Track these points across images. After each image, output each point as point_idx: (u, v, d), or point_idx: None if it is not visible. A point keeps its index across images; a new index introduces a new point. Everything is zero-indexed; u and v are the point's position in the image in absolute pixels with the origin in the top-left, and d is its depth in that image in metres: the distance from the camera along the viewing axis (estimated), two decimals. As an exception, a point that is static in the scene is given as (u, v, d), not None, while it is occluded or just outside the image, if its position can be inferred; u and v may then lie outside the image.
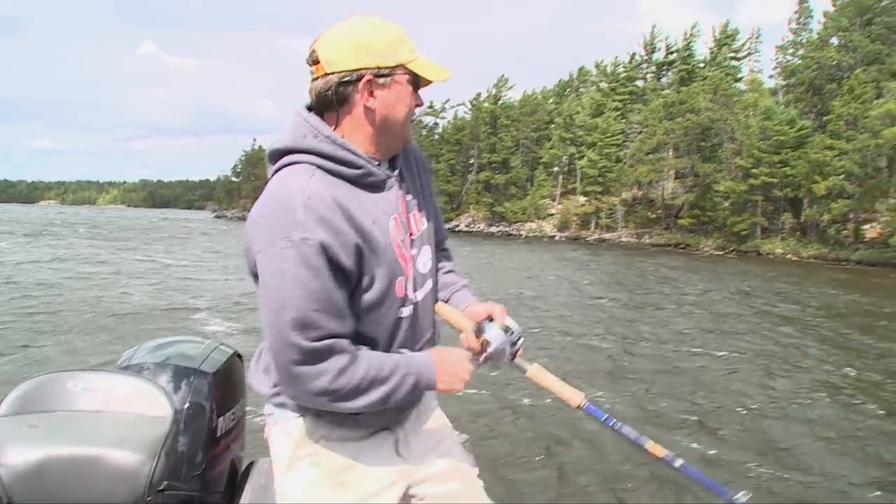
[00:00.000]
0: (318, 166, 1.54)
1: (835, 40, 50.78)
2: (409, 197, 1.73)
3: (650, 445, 1.75)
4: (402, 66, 1.58)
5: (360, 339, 1.56)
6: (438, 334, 1.82)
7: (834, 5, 51.61)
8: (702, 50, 66.31)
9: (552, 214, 63.66)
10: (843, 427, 7.68)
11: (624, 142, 59.24)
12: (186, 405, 2.13)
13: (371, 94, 1.56)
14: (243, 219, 1.47)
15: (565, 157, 64.58)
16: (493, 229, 65.49)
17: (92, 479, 1.72)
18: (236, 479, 2.39)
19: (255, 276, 1.50)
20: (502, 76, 76.32)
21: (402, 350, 1.65)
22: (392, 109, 1.59)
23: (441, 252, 1.97)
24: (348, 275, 1.50)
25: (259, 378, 1.71)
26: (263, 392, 1.70)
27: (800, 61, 53.82)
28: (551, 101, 75.44)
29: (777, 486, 5.92)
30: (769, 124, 46.08)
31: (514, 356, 1.77)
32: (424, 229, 1.76)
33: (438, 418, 1.94)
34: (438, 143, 74.67)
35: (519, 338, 1.78)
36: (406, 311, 1.66)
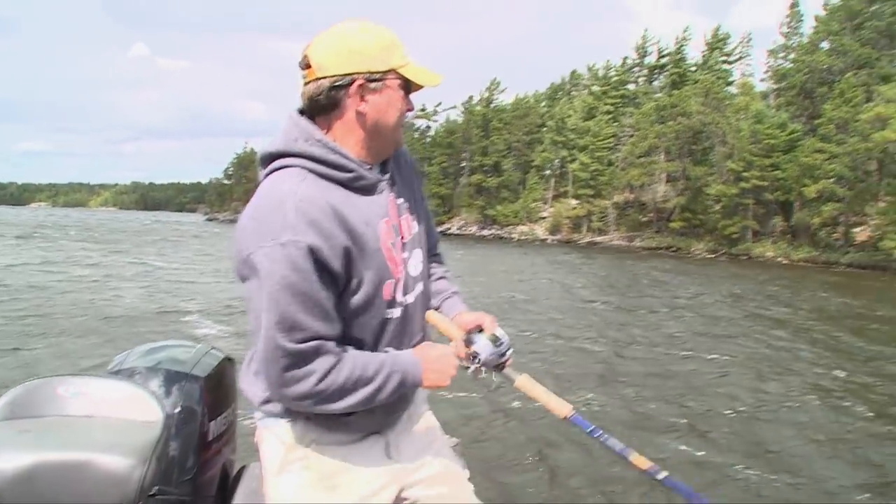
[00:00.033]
0: (310, 170, 1.55)
1: (826, 44, 51.02)
2: (401, 200, 1.74)
3: (634, 458, 1.77)
4: (393, 70, 1.59)
5: (348, 341, 1.56)
6: (428, 338, 1.82)
7: (825, 9, 51.87)
8: (693, 54, 66.56)
9: (544, 217, 63.73)
10: (833, 429, 7.72)
11: (616, 145, 59.33)
12: (177, 410, 2.13)
13: (362, 98, 1.57)
14: (235, 221, 1.48)
15: (557, 161, 64.66)
16: (485, 232, 65.51)
17: (82, 484, 1.72)
18: (228, 484, 2.39)
19: (244, 279, 1.51)
20: (494, 79, 76.43)
21: (387, 350, 1.66)
22: (383, 114, 1.60)
23: (433, 256, 1.98)
24: (337, 278, 1.51)
25: (250, 382, 1.70)
26: (254, 396, 1.70)
27: (791, 65, 54.02)
28: (543, 104, 75.54)
29: (766, 489, 5.95)
30: (760, 128, 46.25)
31: (503, 366, 1.79)
32: (416, 233, 1.77)
33: (429, 421, 1.95)
34: (430, 146, 74.69)
35: (508, 348, 1.79)
36: (394, 314, 1.67)
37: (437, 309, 1.89)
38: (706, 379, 9.83)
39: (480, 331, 1.78)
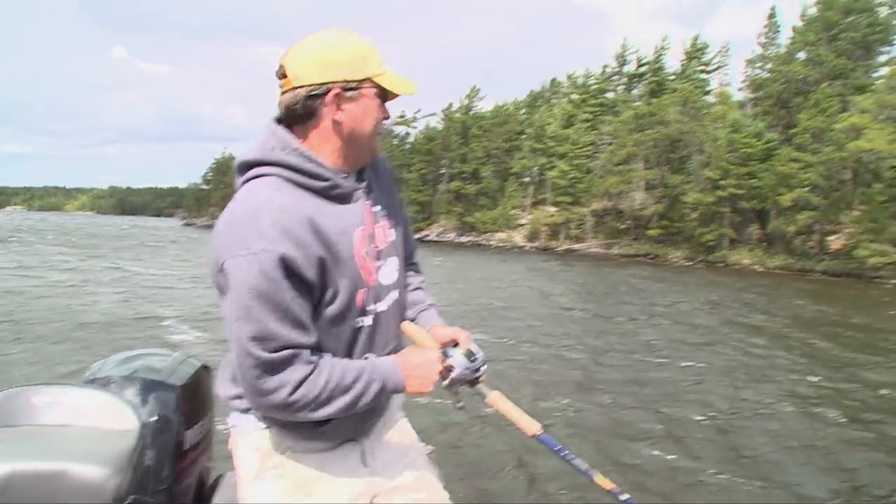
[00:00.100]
0: (286, 178, 1.56)
1: (802, 55, 51.53)
2: (377, 208, 1.74)
3: (598, 478, 1.82)
4: (369, 79, 1.60)
5: (321, 349, 1.57)
6: (400, 348, 1.83)
7: (802, 20, 52.41)
8: (672, 63, 67.02)
9: (522, 225, 63.82)
10: (807, 435, 7.79)
11: (594, 153, 59.54)
12: (153, 419, 2.13)
13: (339, 107, 1.58)
14: (212, 226, 1.48)
15: (536, 168, 64.80)
16: (463, 239, 65.52)
17: (57, 494, 1.71)
18: (204, 492, 2.38)
19: (219, 287, 1.51)
20: (474, 87, 76.62)
21: (366, 357, 1.66)
22: (359, 122, 1.61)
23: (409, 266, 1.99)
24: (311, 287, 1.52)
25: (226, 388, 1.71)
26: (230, 402, 1.71)
27: (768, 75, 54.54)
28: (523, 111, 75.73)
29: (739, 494, 6.00)
30: (737, 137, 46.63)
31: (476, 382, 1.81)
32: (391, 241, 1.78)
33: (404, 429, 1.96)
34: (409, 153, 74.66)
35: (482, 364, 1.81)
36: (366, 322, 1.68)
37: (412, 320, 1.90)
38: (682, 386, 9.89)
39: (456, 345, 1.80)
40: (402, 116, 77.34)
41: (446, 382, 1.75)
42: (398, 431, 1.93)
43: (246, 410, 1.68)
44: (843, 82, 45.73)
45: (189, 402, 2.27)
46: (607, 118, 61.10)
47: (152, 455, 2.07)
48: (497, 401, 1.81)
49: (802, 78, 49.01)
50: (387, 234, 1.76)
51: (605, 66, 69.69)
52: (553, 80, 78.71)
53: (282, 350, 1.46)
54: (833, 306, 22.56)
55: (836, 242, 41.46)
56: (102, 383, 2.19)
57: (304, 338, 1.50)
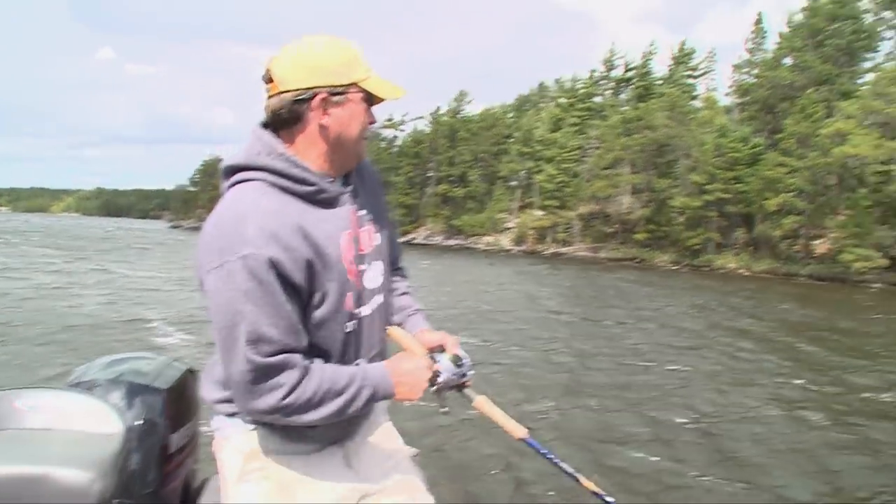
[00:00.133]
0: (271, 183, 1.57)
1: (788, 60, 51.87)
2: (363, 212, 1.75)
3: (584, 481, 1.83)
4: (355, 84, 1.60)
5: (309, 353, 1.57)
6: (385, 352, 1.84)
7: (788, 27, 52.78)
8: (659, 67, 67.33)
9: (509, 228, 63.91)
10: (791, 438, 7.85)
11: (582, 157, 59.71)
12: (139, 422, 2.12)
13: (325, 112, 1.58)
14: (199, 229, 1.49)
15: (523, 172, 64.93)
16: (451, 242, 65.54)
17: (41, 498, 1.70)
18: (190, 496, 2.38)
19: (207, 292, 1.51)
20: (462, 90, 76.71)
21: (357, 363, 1.67)
22: (346, 127, 1.62)
23: (395, 270, 2.00)
24: (299, 290, 1.52)
25: (210, 390, 1.71)
26: (215, 404, 1.71)
27: (755, 80, 54.86)
28: (511, 115, 75.91)
29: (723, 497, 6.03)
30: (724, 141, 46.90)
31: (463, 386, 1.82)
32: (377, 245, 1.78)
33: (388, 432, 1.96)
34: (397, 156, 74.67)
35: (469, 369, 1.82)
36: (351, 326, 1.68)
37: (399, 325, 1.90)
38: (668, 389, 9.92)
39: (443, 350, 1.81)
40: (389, 120, 77.46)
41: (434, 388, 1.77)
42: (383, 434, 1.93)
43: (231, 414, 1.68)
44: (828, 88, 46.07)
45: (175, 405, 2.26)
46: (595, 122, 61.28)
47: (137, 459, 2.06)
48: (483, 405, 1.83)
49: (788, 83, 49.32)
50: (372, 238, 1.76)
51: (594, 71, 70.03)
52: (541, 84, 78.99)
53: (276, 354, 1.47)
54: (818, 310, 22.70)
55: (821, 247, 41.74)
56: (87, 387, 2.18)
57: (296, 341, 1.51)
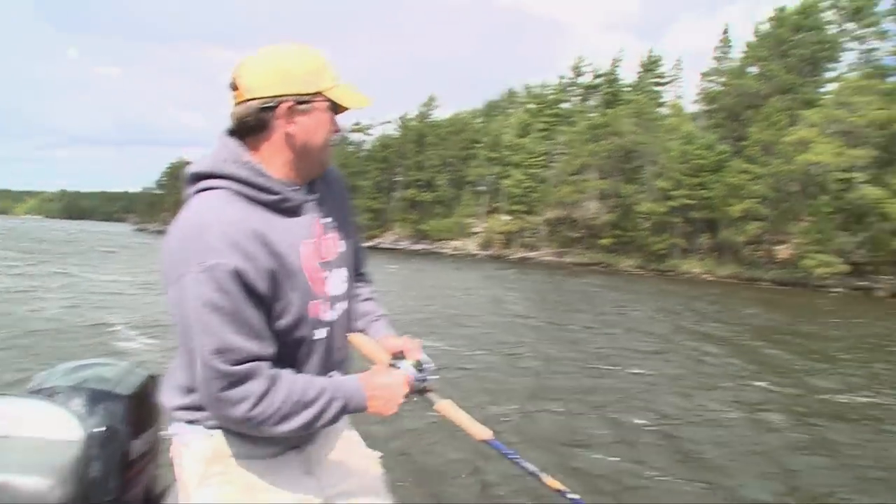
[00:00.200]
0: (235, 191, 1.57)
1: (755, 69, 52.55)
2: (327, 220, 1.75)
3: (548, 480, 1.84)
4: (321, 93, 1.61)
5: (275, 361, 1.57)
6: (349, 359, 1.85)
7: (756, 36, 53.49)
8: (627, 74, 67.97)
9: (476, 233, 63.96)
10: (752, 439, 7.96)
11: (549, 163, 59.96)
12: (100, 429, 2.11)
13: (290, 120, 1.59)
14: (164, 232, 1.49)
15: (491, 177, 65.06)
16: (418, 247, 65.40)
17: (0, 506, 1.69)
18: (151, 502, 2.37)
19: (172, 300, 1.51)
20: (431, 95, 76.73)
21: (312, 371, 1.67)
22: (311, 136, 1.62)
23: (359, 277, 2.00)
24: (264, 299, 1.52)
25: (170, 396, 1.71)
26: (175, 410, 1.70)
27: (721, 88, 55.49)
28: (479, 120, 76.03)
29: (684, 496, 6.10)
30: (689, 148, 47.38)
31: (426, 391, 1.82)
32: (340, 252, 1.78)
33: (349, 435, 1.97)
34: (365, 160, 74.41)
35: (432, 374, 1.83)
36: (319, 334, 1.69)
37: (362, 332, 1.91)
38: (632, 392, 9.99)
39: (405, 356, 1.82)
40: (357, 124, 77.26)
41: None
42: (344, 438, 1.94)
43: (191, 421, 1.67)
44: (792, 97, 46.71)
45: (136, 411, 2.24)
46: (563, 128, 61.61)
47: (98, 466, 2.05)
48: (447, 409, 1.82)
49: (754, 92, 49.95)
50: (336, 245, 1.77)
51: (562, 77, 70.47)
52: (510, 91, 79.31)
53: (242, 363, 1.47)
54: (780, 314, 23.01)
55: (783, 252, 42.30)
56: (47, 393, 2.16)
57: (263, 349, 1.51)
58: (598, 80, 67.80)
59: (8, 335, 11.97)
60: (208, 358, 1.45)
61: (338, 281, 1.76)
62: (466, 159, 68.48)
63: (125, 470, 2.16)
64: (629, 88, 64.80)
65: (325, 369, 1.72)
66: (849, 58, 48.98)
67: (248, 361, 1.48)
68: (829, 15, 49.49)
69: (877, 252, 36.59)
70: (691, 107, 59.62)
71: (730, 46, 58.20)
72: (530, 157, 60.45)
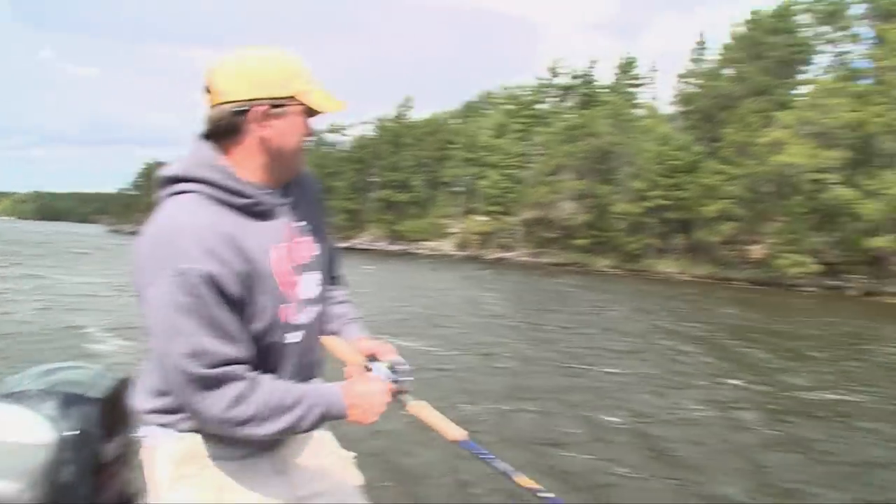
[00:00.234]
0: (208, 195, 1.56)
1: (730, 71, 52.94)
2: (300, 224, 1.75)
3: (523, 480, 1.83)
4: (294, 97, 1.61)
5: (251, 365, 1.57)
6: (323, 363, 1.85)
7: (732, 38, 53.90)
8: (604, 76, 68.28)
9: (452, 233, 63.94)
10: (725, 437, 8.05)
11: (525, 163, 60.06)
12: (72, 433, 2.09)
13: (264, 124, 1.58)
14: (139, 234, 1.49)
15: (467, 177, 65.06)
16: (394, 247, 65.21)
17: (-33, 511, 1.68)
18: None
19: (146, 306, 1.51)
20: (407, 96, 76.67)
21: (286, 375, 1.67)
22: (284, 139, 1.62)
23: (333, 281, 1.99)
24: (236, 303, 1.52)
25: (143, 399, 1.71)
26: (146, 413, 1.70)
27: (697, 90, 55.83)
28: (456, 122, 76.02)
29: (658, 494, 6.17)
30: (665, 149, 47.70)
31: (400, 393, 1.81)
32: (313, 256, 1.78)
33: (323, 437, 1.96)
34: (341, 161, 74.12)
35: (406, 375, 1.82)
36: (291, 338, 1.68)
37: (336, 334, 1.90)
38: (608, 392, 10.05)
39: (379, 358, 1.81)
40: (333, 124, 77.00)
41: None
42: (317, 439, 1.93)
43: (163, 424, 1.67)
44: (766, 98, 47.10)
45: (109, 415, 2.23)
46: (539, 129, 61.74)
47: (70, 469, 2.03)
48: (421, 410, 1.81)
49: (728, 93, 50.32)
50: (309, 249, 1.77)
51: (539, 79, 70.67)
52: (486, 92, 79.44)
53: (217, 366, 1.47)
54: (755, 313, 23.21)
55: (757, 252, 42.67)
56: (18, 397, 2.14)
57: (238, 352, 1.51)
58: (574, 82, 68.05)
59: (-19, 337, 11.82)
60: (183, 361, 1.45)
61: (311, 285, 1.75)
62: (442, 160, 68.41)
63: (97, 473, 2.15)
64: (606, 90, 65.07)
65: (298, 373, 1.72)
66: (822, 60, 49.59)
67: (224, 365, 1.48)
68: (803, 18, 50.01)
69: (849, 252, 37.01)
70: (669, 108, 59.97)
71: (706, 48, 58.67)
72: (506, 158, 60.54)
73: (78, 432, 2.11)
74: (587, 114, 56.75)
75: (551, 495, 1.86)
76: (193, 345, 1.45)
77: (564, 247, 53.78)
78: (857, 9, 46.66)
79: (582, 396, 9.68)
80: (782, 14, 50.15)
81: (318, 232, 1.83)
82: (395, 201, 68.35)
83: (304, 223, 1.77)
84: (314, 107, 1.64)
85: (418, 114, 76.39)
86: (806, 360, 13.74)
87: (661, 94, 63.82)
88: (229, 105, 1.57)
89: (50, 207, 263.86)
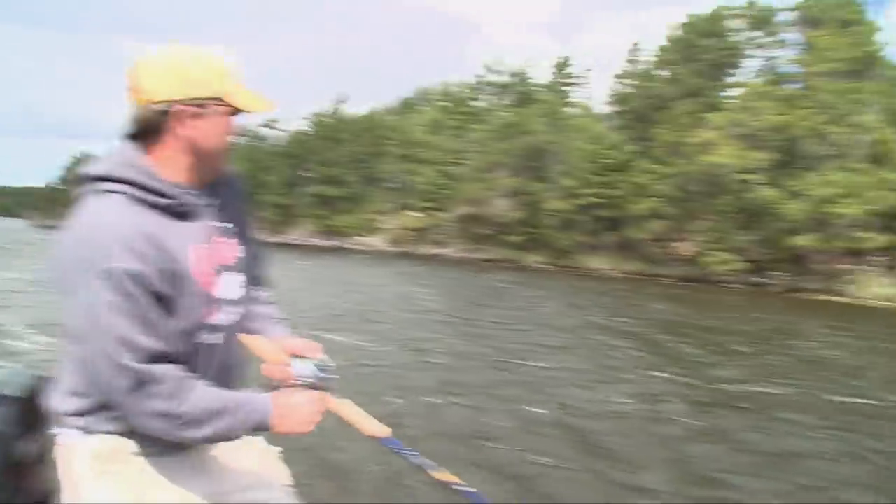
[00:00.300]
0: (130, 195, 1.55)
1: (663, 72, 53.78)
2: (223, 225, 1.74)
3: (445, 475, 1.87)
4: (219, 97, 1.60)
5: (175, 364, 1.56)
6: (244, 365, 1.85)
7: (668, 41, 54.78)
8: (540, 75, 68.78)
9: (386, 229, 63.74)
10: (653, 429, 8.23)
11: (460, 160, 60.15)
12: (-13, 432, 2.06)
13: (187, 124, 1.58)
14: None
15: (402, 173, 64.90)
16: (327, 243, 64.70)
17: None
18: None
19: (68, 303, 1.50)
20: (342, 91, 76.14)
21: (208, 376, 1.65)
22: (208, 140, 1.62)
23: (258, 282, 1.98)
24: (162, 302, 1.52)
25: (61, 400, 1.69)
26: (64, 413, 1.68)
27: (632, 90, 56.60)
28: (392, 118, 75.73)
29: (584, 486, 6.27)
30: (597, 148, 48.34)
31: (320, 389, 1.80)
32: (238, 258, 1.78)
33: None
34: (274, 156, 73.22)
35: (330, 374, 1.82)
36: (213, 339, 1.68)
37: (259, 333, 1.89)
38: (539, 386, 10.13)
39: (303, 356, 1.81)
40: (269, 119, 75.99)
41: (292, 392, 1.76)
42: None
43: (81, 424, 1.65)
44: (698, 100, 47.97)
45: (25, 414, 2.20)
46: (474, 126, 61.89)
47: (-14, 469, 2.00)
48: (343, 408, 1.81)
49: (662, 94, 51.12)
50: (232, 250, 1.76)
51: (476, 76, 70.86)
52: (423, 88, 79.40)
53: (151, 362, 1.47)
54: (683, 309, 23.66)
55: (686, 250, 43.54)
56: (-71, 399, 2.09)
57: (168, 350, 1.51)
58: (511, 80, 68.45)
59: None
60: (116, 358, 1.44)
61: (233, 286, 1.75)
62: (377, 156, 68.09)
63: (14, 473, 2.11)
64: (541, 88, 65.59)
65: (220, 374, 1.71)
66: (753, 65, 50.76)
67: (156, 361, 1.47)
68: (735, 23, 51.14)
69: (772, 250, 38.03)
70: (605, 108, 60.59)
71: (641, 50, 59.54)
72: (441, 155, 60.57)
73: (-7, 433, 2.08)
74: (522, 112, 57.11)
75: (470, 489, 1.88)
76: (126, 342, 1.44)
77: (498, 243, 54.02)
78: (787, 16, 47.95)
79: (513, 391, 9.77)
80: (716, 18, 51.22)
81: (242, 234, 1.82)
82: (329, 196, 67.79)
83: (228, 224, 1.76)
84: (240, 107, 1.63)
85: (357, 109, 75.89)
86: (731, 355, 14.10)
87: (598, 94, 64.31)
88: (153, 104, 1.55)
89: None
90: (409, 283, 28.22)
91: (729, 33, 50.58)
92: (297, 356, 1.80)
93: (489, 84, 69.58)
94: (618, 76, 58.98)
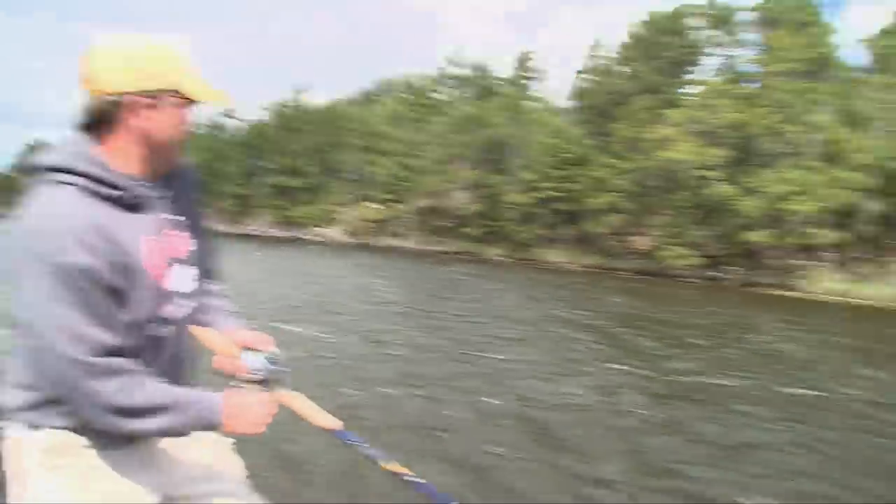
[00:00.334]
0: (82, 187, 1.53)
1: (623, 69, 54.34)
2: (175, 217, 1.73)
3: (396, 466, 1.90)
4: (174, 88, 1.58)
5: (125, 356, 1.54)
6: (197, 356, 1.83)
7: (630, 38, 55.35)
8: (501, 69, 69.10)
9: (345, 221, 63.67)
10: (609, 421, 8.27)
11: (420, 152, 60.23)
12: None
13: (139, 115, 1.55)
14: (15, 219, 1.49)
15: (361, 165, 64.81)
16: (284, 234, 64.51)
17: None
18: None
19: (19, 296, 1.48)
20: (302, 82, 75.72)
21: (159, 369, 1.64)
22: (161, 131, 1.59)
23: (210, 275, 1.96)
24: (113, 294, 1.50)
25: (9, 394, 1.65)
26: (13, 408, 1.64)
27: (593, 85, 57.09)
28: (352, 109, 75.55)
29: (539, 477, 6.28)
30: (556, 142, 48.71)
31: (275, 384, 1.80)
32: (189, 250, 1.76)
33: None
34: (233, 146, 72.69)
35: (282, 367, 1.81)
36: (164, 332, 1.67)
37: (211, 326, 1.87)
38: (497, 378, 10.16)
39: (256, 349, 1.80)
40: (228, 109, 75.28)
41: (243, 384, 1.75)
42: None
43: (30, 419, 1.62)
44: (657, 97, 48.54)
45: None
46: (435, 118, 62.00)
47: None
48: (294, 401, 1.81)
49: (622, 90, 51.66)
50: (185, 243, 1.75)
51: (438, 69, 70.96)
52: (385, 80, 79.31)
53: (102, 355, 1.46)
54: (640, 302, 23.97)
55: (643, 244, 44.12)
56: None
57: (120, 343, 1.50)
58: (472, 73, 68.64)
59: None
60: (68, 352, 1.43)
61: (185, 279, 1.74)
62: (337, 147, 67.89)
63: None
64: (502, 82, 65.91)
65: (171, 367, 1.70)
66: (712, 63, 51.47)
67: (108, 354, 1.46)
68: (696, 21, 51.82)
69: (728, 245, 38.71)
70: (567, 102, 61.03)
71: (603, 46, 60.03)
72: (401, 147, 60.57)
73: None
74: (483, 105, 57.34)
75: (419, 480, 1.89)
76: (78, 335, 1.43)
77: (457, 236, 54.24)
78: (746, 16, 48.74)
79: (471, 382, 9.77)
80: (677, 16, 51.86)
81: (195, 226, 1.81)
82: (288, 187, 67.43)
83: (180, 217, 1.75)
84: (193, 98, 1.62)
85: (318, 100, 75.59)
86: (688, 347, 14.27)
87: (560, 89, 64.88)
88: (105, 95, 1.53)
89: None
90: (368, 275, 28.18)
91: (689, 31, 51.25)
92: (247, 349, 1.79)
93: (451, 77, 69.70)
94: (580, 72, 59.48)
